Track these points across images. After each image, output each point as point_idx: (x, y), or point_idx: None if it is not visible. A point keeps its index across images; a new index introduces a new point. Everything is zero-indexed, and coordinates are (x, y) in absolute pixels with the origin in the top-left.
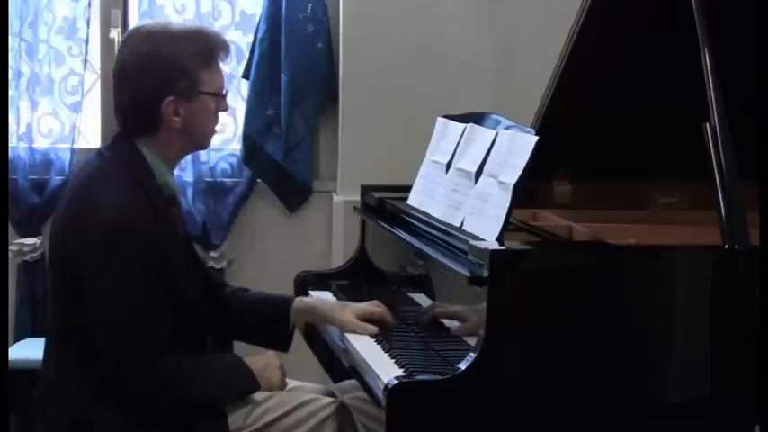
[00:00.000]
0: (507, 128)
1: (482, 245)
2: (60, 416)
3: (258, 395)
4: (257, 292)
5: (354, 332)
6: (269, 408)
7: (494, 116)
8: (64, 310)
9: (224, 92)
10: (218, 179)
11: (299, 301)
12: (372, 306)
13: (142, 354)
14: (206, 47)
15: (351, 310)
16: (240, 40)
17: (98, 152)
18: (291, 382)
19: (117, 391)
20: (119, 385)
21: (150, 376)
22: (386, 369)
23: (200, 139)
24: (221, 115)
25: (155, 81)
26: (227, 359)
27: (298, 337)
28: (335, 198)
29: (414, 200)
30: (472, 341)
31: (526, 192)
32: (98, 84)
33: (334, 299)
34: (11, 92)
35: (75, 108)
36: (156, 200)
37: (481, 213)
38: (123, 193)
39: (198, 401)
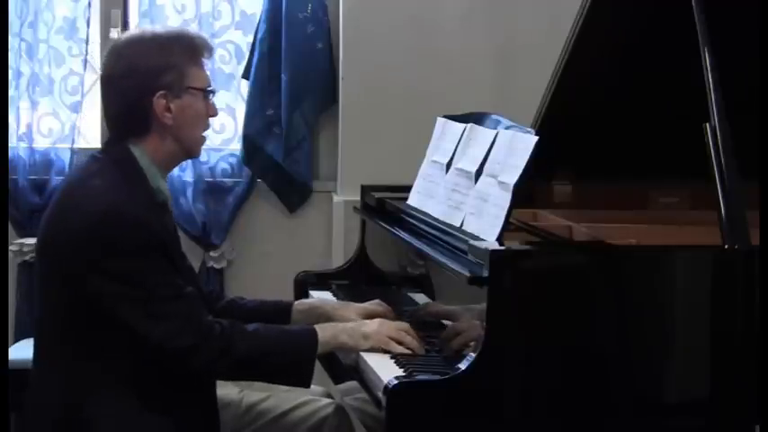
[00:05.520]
0: (507, 128)
1: (482, 245)
2: (51, 408)
3: (254, 396)
4: (255, 299)
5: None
6: (265, 409)
7: (494, 116)
8: (60, 306)
9: (211, 88)
10: (218, 179)
11: (300, 303)
12: (374, 306)
13: (173, 314)
14: (191, 45)
15: (354, 310)
16: (240, 40)
17: (91, 156)
18: None
19: (157, 355)
20: (161, 348)
21: (187, 331)
22: (386, 369)
23: (190, 143)
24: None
25: (143, 78)
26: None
27: None
28: (335, 198)
29: (414, 200)
30: (472, 341)
31: (526, 192)
32: (98, 84)
33: (335, 299)
34: (11, 92)
35: (75, 108)
36: (149, 201)
37: (481, 213)
38: (112, 186)
39: (242, 354)
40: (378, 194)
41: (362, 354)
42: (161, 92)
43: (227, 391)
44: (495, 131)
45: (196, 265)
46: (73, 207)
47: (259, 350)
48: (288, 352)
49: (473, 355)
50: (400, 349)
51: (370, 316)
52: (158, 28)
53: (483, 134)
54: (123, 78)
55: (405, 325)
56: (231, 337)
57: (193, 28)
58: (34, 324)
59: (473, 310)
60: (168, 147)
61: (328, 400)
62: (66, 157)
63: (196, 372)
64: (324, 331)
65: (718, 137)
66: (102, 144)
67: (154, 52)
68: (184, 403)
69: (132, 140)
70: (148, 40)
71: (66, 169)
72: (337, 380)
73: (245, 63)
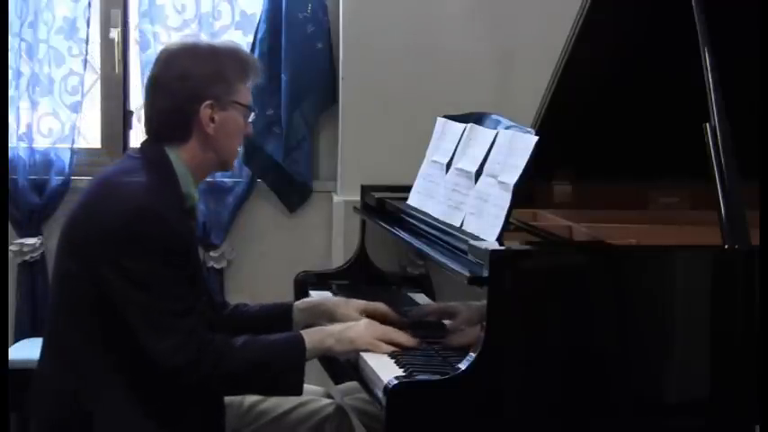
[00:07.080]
0: (507, 128)
1: (482, 245)
2: (57, 407)
3: (255, 396)
4: (256, 304)
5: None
6: (266, 409)
7: (494, 116)
8: (81, 304)
9: (253, 108)
10: (218, 179)
11: (301, 302)
12: (376, 304)
13: (177, 330)
14: (244, 62)
15: (354, 306)
16: (240, 40)
17: (126, 155)
18: None
19: (159, 367)
20: (159, 362)
21: (187, 348)
22: (386, 369)
23: (225, 154)
24: None
25: (195, 83)
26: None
27: None
28: (335, 198)
29: (414, 200)
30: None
31: (526, 192)
32: (98, 84)
33: None
34: (11, 92)
35: (75, 108)
36: (179, 205)
37: (481, 213)
38: (148, 185)
39: (232, 368)
40: (378, 194)
41: (362, 354)
42: (209, 101)
43: None
44: (495, 131)
45: None
46: (106, 204)
47: (247, 363)
48: (275, 362)
49: (473, 355)
50: (389, 348)
51: (372, 312)
52: (214, 40)
53: (483, 134)
54: (175, 82)
55: (389, 327)
56: (221, 354)
57: (193, 28)
58: (46, 323)
59: (473, 309)
60: (205, 155)
61: (328, 401)
62: (66, 157)
63: (191, 388)
64: (310, 336)
65: (718, 137)
66: (140, 145)
67: (209, 61)
68: (190, 406)
69: (169, 144)
70: (205, 48)
71: (66, 169)
72: (337, 380)
73: None
